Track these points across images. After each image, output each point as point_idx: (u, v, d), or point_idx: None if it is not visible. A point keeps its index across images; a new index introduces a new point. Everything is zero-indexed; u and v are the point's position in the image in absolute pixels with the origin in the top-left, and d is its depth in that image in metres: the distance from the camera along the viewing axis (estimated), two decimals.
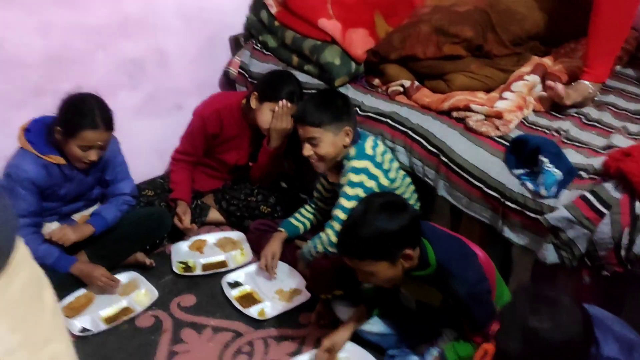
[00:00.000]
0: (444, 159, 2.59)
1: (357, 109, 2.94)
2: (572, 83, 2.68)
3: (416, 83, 2.91)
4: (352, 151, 2.55)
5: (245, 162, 3.30)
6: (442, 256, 2.02)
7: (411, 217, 1.98)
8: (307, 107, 2.58)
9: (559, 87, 2.58)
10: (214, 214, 3.29)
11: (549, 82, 2.62)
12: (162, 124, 3.42)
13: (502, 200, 2.38)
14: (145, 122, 3.35)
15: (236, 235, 3.19)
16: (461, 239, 2.17)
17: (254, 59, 3.39)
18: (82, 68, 3.03)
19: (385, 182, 2.56)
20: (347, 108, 2.59)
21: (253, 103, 3.02)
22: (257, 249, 3.02)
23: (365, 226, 1.94)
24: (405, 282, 2.11)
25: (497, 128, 2.55)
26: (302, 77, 3.15)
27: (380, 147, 2.63)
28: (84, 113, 2.55)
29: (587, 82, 2.62)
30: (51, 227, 2.80)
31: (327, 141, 2.54)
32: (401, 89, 2.91)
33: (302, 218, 2.95)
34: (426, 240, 2.04)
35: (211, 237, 3.19)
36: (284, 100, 2.94)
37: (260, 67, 3.34)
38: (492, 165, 2.45)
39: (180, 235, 3.16)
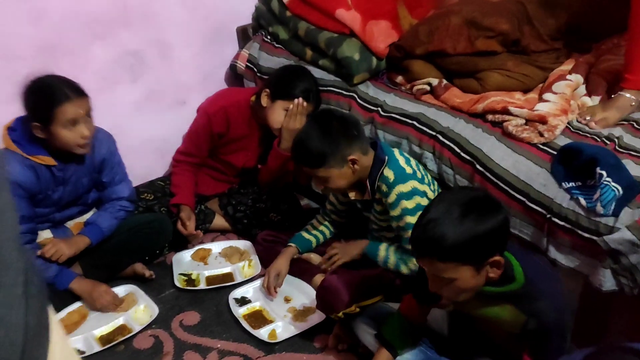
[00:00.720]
0: (479, 167, 2.33)
1: (379, 109, 2.68)
2: (612, 95, 2.38)
3: (444, 81, 2.65)
4: (390, 174, 2.28)
5: (253, 165, 3.05)
6: (532, 272, 1.72)
7: (505, 217, 1.68)
8: (298, 149, 2.31)
9: (592, 124, 2.31)
10: (219, 220, 3.04)
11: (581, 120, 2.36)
12: (164, 121, 3.17)
13: (547, 216, 2.12)
14: (145, 118, 3.11)
15: (243, 244, 2.93)
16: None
17: (263, 52, 3.12)
18: (77, 60, 2.78)
19: (431, 195, 2.33)
20: (345, 130, 2.26)
21: (264, 101, 2.75)
22: (265, 262, 2.78)
23: (451, 224, 1.60)
24: (472, 301, 1.78)
25: (541, 134, 2.28)
26: (316, 72, 2.88)
27: (412, 160, 2.40)
28: (50, 92, 2.26)
29: (627, 95, 2.32)
30: (43, 236, 2.57)
31: (335, 176, 2.27)
32: (428, 88, 2.65)
33: (315, 231, 2.71)
34: (508, 253, 1.74)
35: (216, 246, 2.94)
36: (300, 99, 2.66)
37: (270, 61, 3.07)
38: (536, 176, 2.18)
39: (182, 242, 2.90)
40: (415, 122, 2.56)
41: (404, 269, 2.34)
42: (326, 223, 2.71)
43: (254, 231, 2.93)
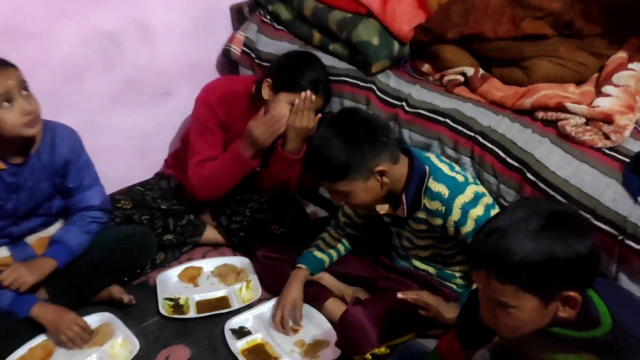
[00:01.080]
0: (530, 176, 1.93)
1: (404, 103, 2.26)
2: None
3: (481, 71, 2.24)
4: (442, 189, 1.89)
5: None
6: (625, 318, 1.33)
7: (593, 245, 1.29)
8: (313, 160, 1.91)
9: None
10: (211, 233, 2.62)
11: None
12: (145, 116, 2.75)
13: (619, 237, 1.74)
14: (122, 113, 2.69)
15: (240, 261, 2.51)
16: None
17: (262, 35, 2.69)
18: (40, 43, 2.37)
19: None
20: (371, 136, 1.85)
21: (265, 92, 2.32)
22: (267, 283, 2.38)
23: (523, 237, 1.25)
24: (535, 341, 1.39)
25: (607, 137, 1.88)
26: (326, 59, 2.47)
27: (454, 165, 2.02)
28: None
29: None
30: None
31: (359, 190, 1.88)
32: (461, 79, 2.24)
33: (328, 248, 2.30)
34: (593, 291, 1.36)
35: (207, 264, 2.52)
36: (307, 92, 2.23)
37: (271, 45, 2.65)
38: (605, 189, 1.79)
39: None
40: (448, 120, 2.16)
41: None
42: (340, 238, 2.30)
43: (253, 246, 2.50)
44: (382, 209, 2.01)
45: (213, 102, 2.40)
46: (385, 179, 1.86)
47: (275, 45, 2.62)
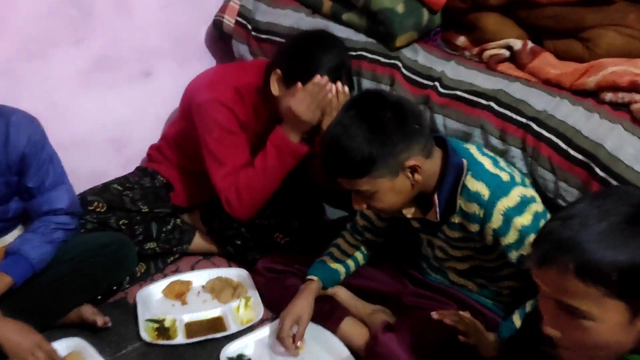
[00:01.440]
0: (599, 171, 1.57)
1: (437, 84, 1.88)
2: None
3: (531, 44, 1.87)
4: (481, 188, 1.54)
5: None
6: None
7: None
8: (331, 153, 1.55)
9: None
10: (201, 240, 2.24)
11: None
12: (121, 100, 2.34)
13: None
14: (94, 96, 2.27)
15: (236, 274, 2.14)
16: None
17: (261, 3, 2.29)
18: None
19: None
20: (402, 123, 1.50)
21: (274, 87, 1.90)
22: (270, 300, 2.01)
23: (608, 230, 0.99)
24: None
25: None
26: (339, 31, 2.08)
27: (499, 159, 1.66)
28: None
29: None
30: None
31: (385, 189, 1.54)
32: (506, 54, 1.87)
33: (343, 256, 1.93)
34: None
35: (197, 277, 2.14)
36: (324, 78, 1.83)
37: (271, 14, 2.25)
38: None
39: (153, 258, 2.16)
40: (492, 104, 1.79)
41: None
42: (358, 244, 1.93)
43: (252, 256, 2.11)
44: (409, 212, 1.66)
45: (230, 100, 1.97)
46: (417, 177, 1.52)
47: (276, 15, 2.21)
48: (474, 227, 1.58)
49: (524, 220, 1.52)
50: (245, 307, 2.01)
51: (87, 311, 1.93)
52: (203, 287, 2.10)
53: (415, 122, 1.51)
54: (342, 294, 1.93)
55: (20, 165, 1.78)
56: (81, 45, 2.16)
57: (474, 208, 1.55)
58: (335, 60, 1.85)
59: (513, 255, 1.57)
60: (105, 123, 2.32)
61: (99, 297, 2.01)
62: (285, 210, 2.16)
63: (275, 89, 1.90)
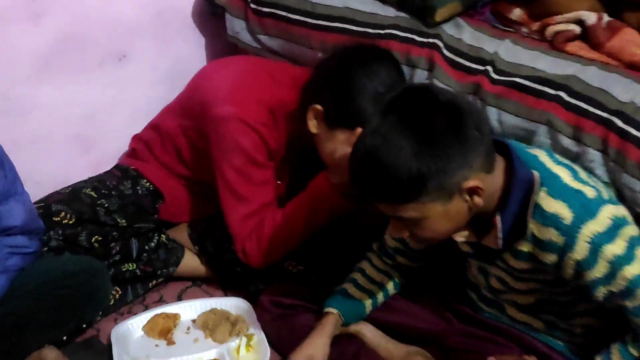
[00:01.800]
0: None
1: (489, 68, 1.52)
2: None
3: (607, 17, 1.52)
4: (561, 210, 1.21)
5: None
6: None
7: None
8: (367, 171, 1.20)
9: None
10: (191, 261, 1.83)
11: None
12: (90, 88, 1.93)
13: None
14: (56, 84, 1.86)
15: (234, 305, 1.74)
16: None
17: None
18: None
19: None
20: (459, 127, 1.16)
21: (312, 124, 1.52)
22: (278, 342, 1.62)
23: None
24: None
25: None
26: (362, 3, 1.70)
27: (576, 167, 1.32)
28: None
29: None
30: None
31: (435, 217, 1.21)
32: (577, 30, 1.52)
33: (369, 284, 1.56)
34: None
35: (187, 309, 1.73)
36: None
37: None
38: None
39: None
40: (562, 94, 1.42)
41: None
42: (388, 270, 1.57)
43: (256, 286, 1.73)
44: (461, 235, 1.31)
45: (261, 123, 1.58)
46: (477, 200, 1.18)
47: None
48: (550, 258, 1.23)
49: (616, 248, 1.19)
50: (247, 348, 1.61)
51: (50, 355, 1.53)
52: (193, 321, 1.70)
53: (474, 128, 1.15)
54: (369, 332, 1.56)
55: None
56: (39, 20, 1.76)
57: (551, 234, 1.20)
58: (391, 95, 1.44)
59: (600, 292, 1.22)
60: (70, 117, 1.91)
61: (64, 338, 1.62)
62: None
63: (313, 125, 1.52)
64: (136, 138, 1.89)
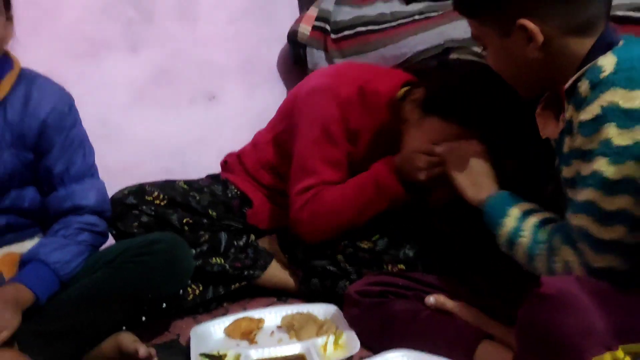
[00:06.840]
0: None
1: None
2: None
3: None
4: (607, 63, 1.06)
5: None
6: None
7: None
8: None
9: None
10: (277, 271, 1.72)
11: None
12: (180, 123, 2.00)
13: None
14: (150, 115, 1.95)
15: (323, 310, 1.58)
16: None
17: (344, 6, 1.99)
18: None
19: None
20: None
21: (408, 107, 1.52)
22: (364, 335, 1.42)
23: None
24: None
25: None
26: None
27: None
28: None
29: None
30: None
31: (494, 46, 1.20)
32: None
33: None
34: None
35: (272, 315, 1.58)
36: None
37: (353, 13, 1.93)
38: None
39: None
40: None
41: (539, 265, 1.16)
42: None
43: (341, 288, 1.62)
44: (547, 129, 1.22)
45: (346, 97, 1.60)
46: (532, 47, 1.11)
47: (360, 11, 1.91)
48: (576, 117, 1.08)
49: (623, 137, 1.01)
50: (336, 346, 1.44)
51: (127, 339, 1.40)
52: (279, 327, 1.55)
53: None
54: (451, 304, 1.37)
55: (38, 138, 1.42)
56: (136, 50, 1.88)
57: (583, 88, 1.07)
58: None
59: (564, 171, 1.14)
60: (160, 151, 1.96)
61: (143, 319, 1.50)
62: (398, 235, 1.67)
63: (409, 109, 1.51)
64: (229, 154, 1.90)
